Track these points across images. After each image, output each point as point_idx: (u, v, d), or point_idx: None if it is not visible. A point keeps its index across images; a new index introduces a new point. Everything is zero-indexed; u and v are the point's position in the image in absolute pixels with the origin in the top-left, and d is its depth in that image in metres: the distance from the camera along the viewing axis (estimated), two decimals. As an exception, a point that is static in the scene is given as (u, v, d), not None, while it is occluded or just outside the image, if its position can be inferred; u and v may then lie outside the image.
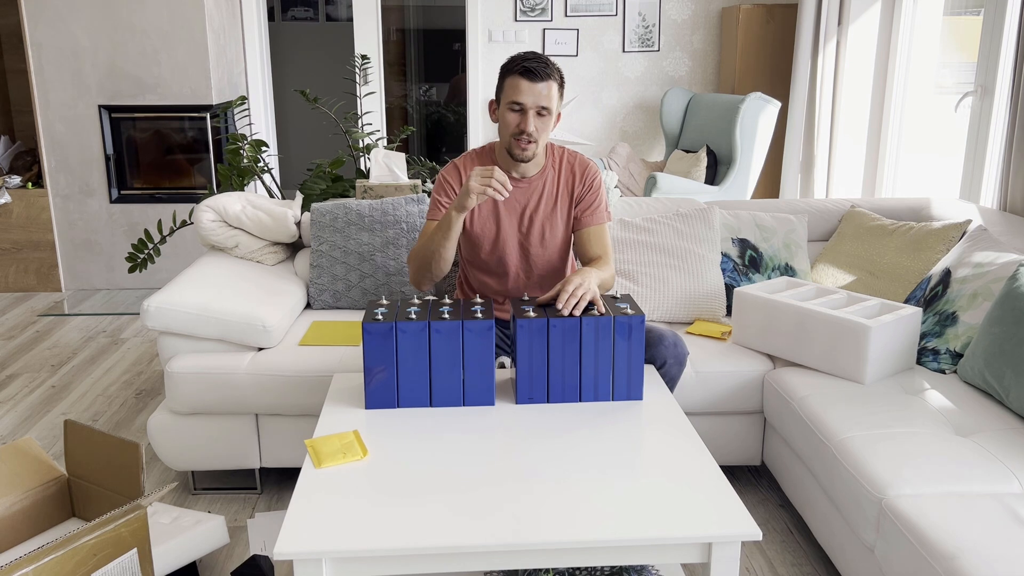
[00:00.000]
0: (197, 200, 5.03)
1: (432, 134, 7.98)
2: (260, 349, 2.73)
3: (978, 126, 3.55)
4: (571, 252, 2.60)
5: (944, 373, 2.51)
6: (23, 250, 5.03)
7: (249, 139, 3.81)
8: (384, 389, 2.10)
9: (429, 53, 7.89)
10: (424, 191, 3.40)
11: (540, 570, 1.85)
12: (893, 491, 1.91)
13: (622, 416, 2.07)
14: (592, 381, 2.13)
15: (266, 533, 2.54)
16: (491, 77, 5.56)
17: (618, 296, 2.24)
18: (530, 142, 2.32)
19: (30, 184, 5.03)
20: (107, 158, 4.95)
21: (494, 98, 2.40)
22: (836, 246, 3.19)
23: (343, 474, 1.81)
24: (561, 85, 2.33)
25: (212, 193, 3.63)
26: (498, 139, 2.45)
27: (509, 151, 2.37)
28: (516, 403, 2.14)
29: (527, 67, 2.27)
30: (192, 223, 3.20)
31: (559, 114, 2.38)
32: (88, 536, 1.73)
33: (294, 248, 3.31)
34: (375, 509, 1.68)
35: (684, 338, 2.77)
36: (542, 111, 2.30)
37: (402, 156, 3.42)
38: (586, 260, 2.49)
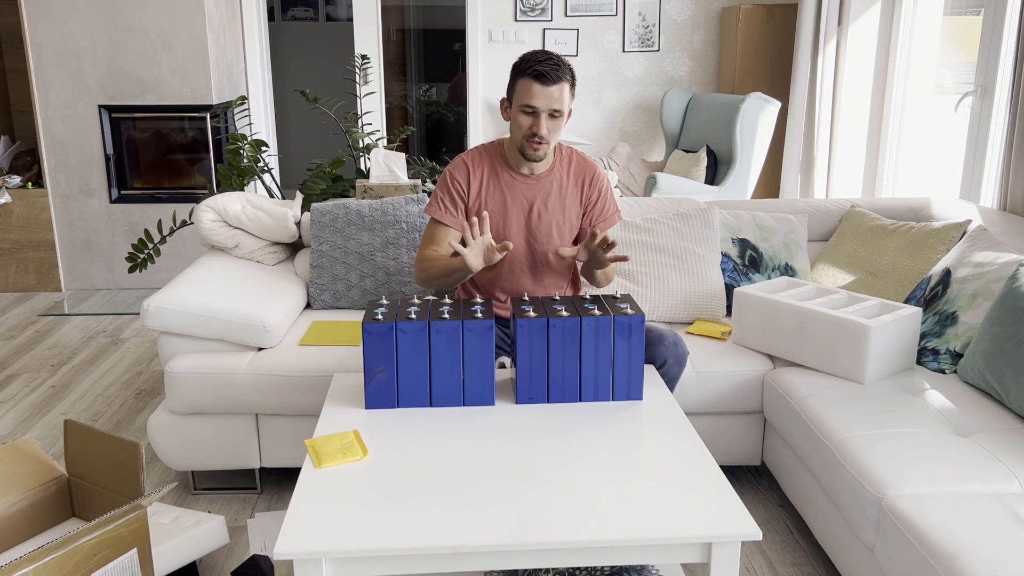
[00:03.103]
0: (197, 200, 5.03)
1: (432, 134, 7.98)
2: (260, 349, 2.73)
3: (978, 126, 3.55)
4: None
5: (944, 373, 2.51)
6: (23, 250, 5.03)
7: (249, 139, 3.81)
8: (384, 389, 2.10)
9: (429, 53, 7.89)
10: (424, 191, 3.40)
11: (540, 570, 1.85)
12: (893, 491, 1.91)
13: (622, 416, 2.07)
14: (592, 381, 2.13)
15: (266, 533, 2.54)
16: (491, 77, 5.56)
17: (618, 296, 2.25)
18: (541, 143, 2.34)
19: (30, 184, 5.03)
20: (107, 158, 4.95)
21: (506, 96, 2.41)
22: (836, 246, 3.20)
23: (343, 474, 1.81)
24: (573, 84, 2.35)
25: (212, 193, 3.63)
26: (507, 136, 2.46)
27: (521, 151, 2.39)
28: (516, 403, 2.14)
29: (539, 71, 2.27)
30: (192, 223, 3.20)
31: (571, 111, 2.41)
32: (88, 536, 1.73)
33: (294, 248, 3.31)
34: (375, 509, 1.68)
35: (684, 338, 2.77)
36: (554, 113, 2.32)
37: (402, 156, 3.42)
38: None
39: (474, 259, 2.21)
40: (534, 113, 2.31)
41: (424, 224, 3.06)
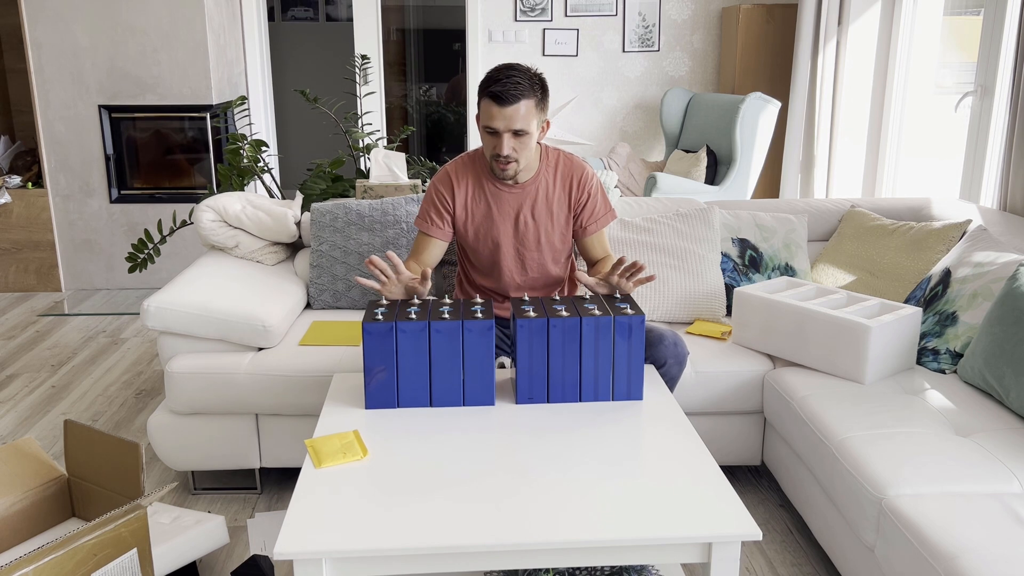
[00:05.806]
0: (197, 200, 5.03)
1: (432, 134, 7.99)
2: (260, 349, 2.73)
3: (978, 126, 3.55)
4: (570, 258, 2.60)
5: (944, 373, 2.51)
6: (23, 250, 5.04)
7: (249, 139, 3.81)
8: (384, 389, 2.10)
9: (429, 53, 7.89)
10: (424, 191, 3.39)
11: (540, 570, 1.85)
12: (893, 491, 1.91)
13: (622, 416, 2.07)
14: (592, 381, 2.13)
15: (266, 533, 2.54)
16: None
17: (618, 296, 2.24)
18: (508, 163, 2.29)
19: (30, 184, 5.03)
20: (107, 158, 4.95)
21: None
22: (836, 246, 3.20)
23: (343, 474, 1.81)
24: (542, 98, 2.26)
25: (212, 193, 3.63)
26: None
27: (492, 170, 2.38)
28: (516, 403, 2.14)
29: (494, 92, 2.20)
30: (192, 223, 3.20)
31: (547, 122, 2.34)
32: (88, 536, 1.73)
33: (294, 248, 3.31)
34: (375, 509, 1.68)
35: (684, 338, 2.77)
36: (517, 133, 2.24)
37: (402, 156, 3.42)
38: (592, 262, 2.55)
39: (394, 294, 2.20)
40: (495, 134, 2.25)
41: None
